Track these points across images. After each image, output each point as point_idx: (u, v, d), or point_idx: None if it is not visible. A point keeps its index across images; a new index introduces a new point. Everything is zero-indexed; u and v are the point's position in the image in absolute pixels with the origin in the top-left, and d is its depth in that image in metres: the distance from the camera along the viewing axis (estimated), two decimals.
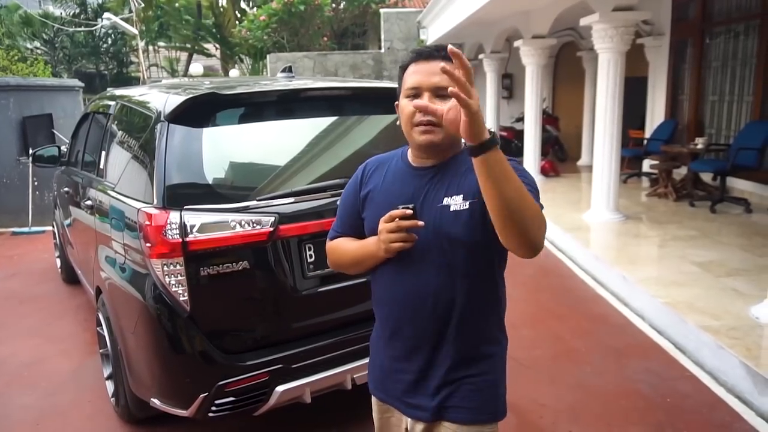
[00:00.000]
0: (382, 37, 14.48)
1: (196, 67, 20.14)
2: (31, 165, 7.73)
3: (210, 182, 2.44)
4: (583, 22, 6.24)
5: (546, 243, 6.48)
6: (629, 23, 5.92)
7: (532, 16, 8.49)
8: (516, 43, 9.10)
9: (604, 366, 3.57)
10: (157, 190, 2.34)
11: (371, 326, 2.67)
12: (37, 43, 22.40)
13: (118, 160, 3.00)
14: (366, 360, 2.64)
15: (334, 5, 15.94)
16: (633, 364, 3.57)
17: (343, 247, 1.61)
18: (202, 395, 2.35)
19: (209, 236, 2.30)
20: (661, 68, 8.63)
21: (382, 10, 14.73)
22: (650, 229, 6.13)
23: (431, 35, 13.32)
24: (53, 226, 5.55)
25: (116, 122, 3.30)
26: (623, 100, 6.25)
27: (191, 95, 2.42)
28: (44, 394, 3.40)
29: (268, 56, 14.51)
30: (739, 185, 7.16)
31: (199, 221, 2.29)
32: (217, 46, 22.00)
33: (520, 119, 13.04)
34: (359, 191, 1.59)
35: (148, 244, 2.30)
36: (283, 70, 3.10)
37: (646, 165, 8.66)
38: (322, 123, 2.73)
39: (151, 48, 24.89)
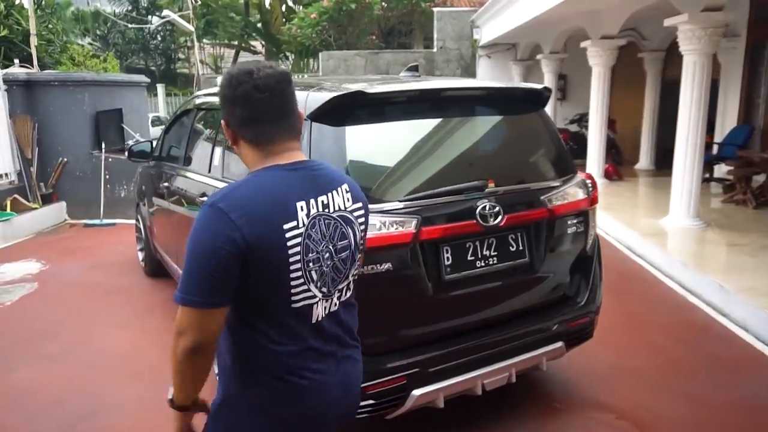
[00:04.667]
0: (435, 36, 14.40)
1: None
2: (103, 159, 7.91)
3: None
4: (668, 22, 6.07)
5: (621, 247, 6.29)
6: (718, 24, 5.73)
7: (602, 15, 8.30)
8: (583, 44, 8.92)
9: (716, 378, 3.45)
10: None
11: (503, 330, 2.64)
12: (88, 39, 22.93)
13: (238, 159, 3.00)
14: (497, 365, 2.61)
15: (384, 4, 15.91)
16: (748, 378, 3.44)
17: None
18: None
19: None
20: (735, 71, 8.36)
21: (435, 9, 14.65)
22: (735, 237, 5.92)
23: (485, 35, 13.17)
24: (137, 220, 5.62)
25: None
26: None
27: (336, 93, 2.39)
28: (149, 384, 3.43)
29: (320, 54, 14.57)
30: None
31: None
32: (263, 43, 22.21)
33: (575, 121, 12.82)
34: None
35: None
36: (409, 69, 3.05)
37: (717, 170, 8.40)
38: (460, 123, 2.67)
39: (196, 45, 25.30)
